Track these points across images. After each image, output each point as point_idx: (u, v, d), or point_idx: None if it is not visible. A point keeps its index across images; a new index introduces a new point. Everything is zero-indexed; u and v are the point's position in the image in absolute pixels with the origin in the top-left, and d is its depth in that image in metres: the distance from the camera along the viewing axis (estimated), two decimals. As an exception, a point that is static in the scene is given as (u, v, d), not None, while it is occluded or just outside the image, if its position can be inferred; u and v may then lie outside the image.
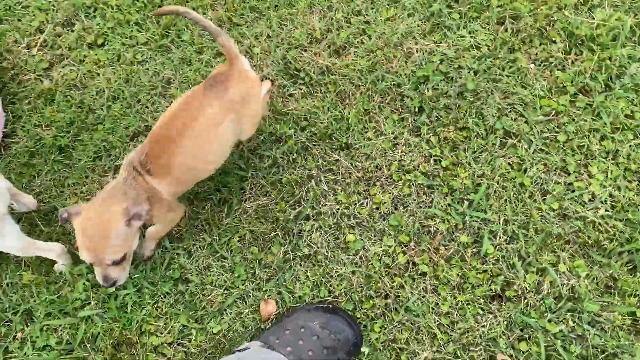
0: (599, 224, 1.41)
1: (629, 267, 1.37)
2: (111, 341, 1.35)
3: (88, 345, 1.35)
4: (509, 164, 1.50)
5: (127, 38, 1.70)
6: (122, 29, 1.70)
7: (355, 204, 1.48)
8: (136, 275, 1.41)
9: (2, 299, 1.40)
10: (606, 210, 1.42)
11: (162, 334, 1.36)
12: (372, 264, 1.41)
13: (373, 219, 1.46)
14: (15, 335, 1.37)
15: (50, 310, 1.39)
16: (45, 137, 1.58)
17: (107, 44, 1.70)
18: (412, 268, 1.41)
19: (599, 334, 1.29)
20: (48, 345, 1.36)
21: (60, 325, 1.37)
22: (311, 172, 1.52)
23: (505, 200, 1.45)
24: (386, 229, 1.45)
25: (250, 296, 1.39)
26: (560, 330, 1.31)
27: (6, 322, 1.39)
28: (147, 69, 1.66)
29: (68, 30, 1.72)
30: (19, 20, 1.73)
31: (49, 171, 1.55)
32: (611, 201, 1.43)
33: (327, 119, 1.58)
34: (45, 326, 1.37)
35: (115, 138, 1.57)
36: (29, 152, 1.57)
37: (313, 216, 1.47)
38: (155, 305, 1.39)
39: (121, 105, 1.61)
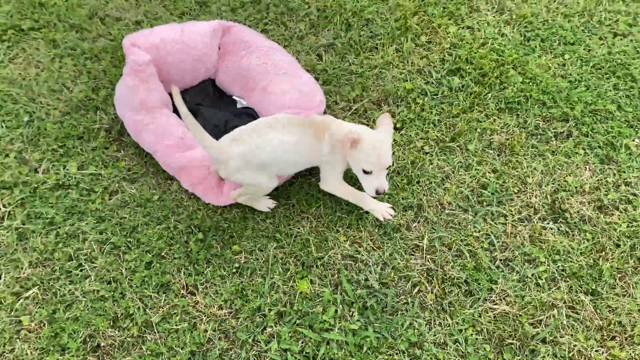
0: None
1: None
2: (343, 371, 1.47)
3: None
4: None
5: (421, 131, 1.97)
6: (419, 122, 1.98)
7: (592, 348, 1.53)
8: (377, 324, 1.55)
9: (266, 294, 1.60)
10: None
11: (386, 385, 1.46)
12: (598, 410, 1.42)
13: None
14: (265, 329, 1.54)
15: (299, 321, 1.56)
16: (336, 181, 1.84)
17: (403, 129, 1.97)
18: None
19: None
20: (290, 350, 1.51)
21: (306, 337, 1.53)
22: (556, 302, 1.61)
23: None
24: None
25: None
26: None
27: (262, 314, 1.57)
28: (432, 160, 1.90)
29: (376, 108, 2.04)
30: (341, 87, 2.09)
31: (329, 207, 1.79)
32: None
33: (579, 261, 1.68)
34: (294, 332, 1.53)
35: (392, 202, 1.79)
36: (317, 187, 1.83)
37: (549, 342, 1.54)
38: (387, 357, 1.50)
39: (402, 180, 1.85)
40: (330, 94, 2.05)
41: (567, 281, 1.65)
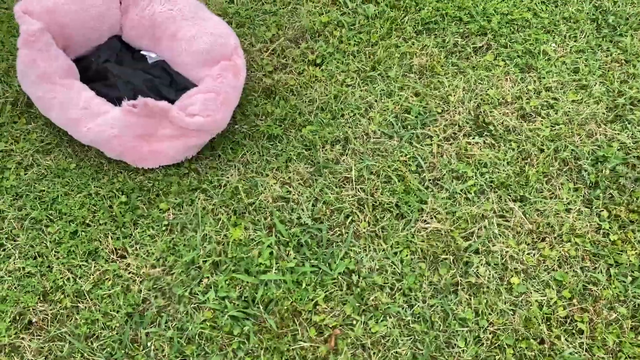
0: None
1: None
2: (283, 308, 1.46)
3: (261, 307, 1.47)
4: (675, 254, 1.53)
5: (341, 64, 1.92)
6: (339, 55, 1.93)
7: (524, 252, 1.56)
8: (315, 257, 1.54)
9: (198, 247, 1.56)
10: None
11: (327, 315, 1.46)
12: (532, 309, 1.46)
13: (539, 270, 1.53)
14: (202, 280, 1.52)
15: (235, 267, 1.53)
16: (260, 125, 1.79)
17: (324, 65, 1.92)
18: (570, 323, 1.45)
19: None
20: (228, 297, 1.49)
21: (243, 282, 1.51)
22: (486, 213, 1.62)
23: (669, 287, 1.48)
24: (550, 282, 1.51)
25: (414, 306, 1.47)
26: None
27: (197, 267, 1.54)
28: (354, 92, 1.86)
29: (294, 46, 1.97)
30: (256, 29, 2.00)
31: (256, 153, 1.74)
32: None
33: (506, 171, 1.69)
34: (231, 279, 1.51)
35: (317, 138, 1.75)
36: (243, 134, 1.78)
37: (482, 252, 1.56)
38: (326, 289, 1.50)
39: (326, 115, 1.81)
40: (245, 37, 1.97)
41: (496, 192, 1.66)
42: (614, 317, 1.44)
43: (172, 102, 1.65)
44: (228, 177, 1.69)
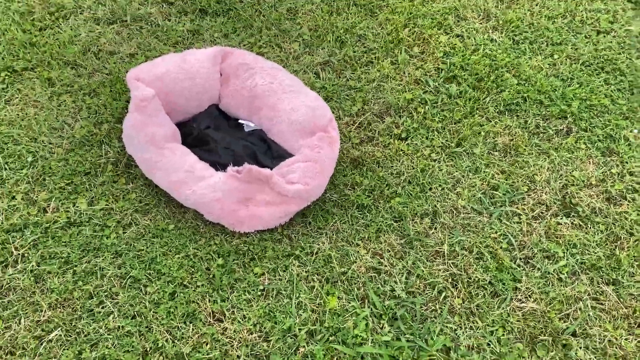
0: None
1: None
2: None
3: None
4: None
5: (426, 139, 1.98)
6: (423, 131, 1.99)
7: (622, 336, 1.53)
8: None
9: (294, 314, 1.56)
10: None
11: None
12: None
13: (638, 356, 1.49)
14: (298, 349, 1.50)
15: (332, 338, 1.52)
16: (349, 194, 1.82)
17: (409, 139, 1.98)
18: None
19: None
20: (325, 368, 1.47)
21: (339, 352, 1.49)
22: (580, 295, 1.61)
23: None
24: None
25: (514, 387, 1.44)
26: None
27: (293, 334, 1.53)
28: (440, 167, 1.90)
29: (380, 120, 2.04)
30: (342, 102, 2.08)
31: (346, 222, 1.77)
32: None
33: (597, 253, 1.69)
34: (327, 349, 1.50)
35: (407, 210, 1.77)
36: (333, 203, 1.81)
37: (579, 334, 1.53)
38: (423, 366, 1.48)
39: (414, 188, 1.84)
40: (333, 110, 2.04)
41: (588, 273, 1.65)
42: None
43: (270, 169, 1.70)
44: (319, 245, 1.71)
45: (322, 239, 1.73)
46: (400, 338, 1.52)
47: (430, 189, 1.84)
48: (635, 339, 1.53)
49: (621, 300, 1.60)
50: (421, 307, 1.58)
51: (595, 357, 1.49)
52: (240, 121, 1.95)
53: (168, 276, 1.63)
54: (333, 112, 2.03)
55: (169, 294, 1.59)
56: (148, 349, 1.49)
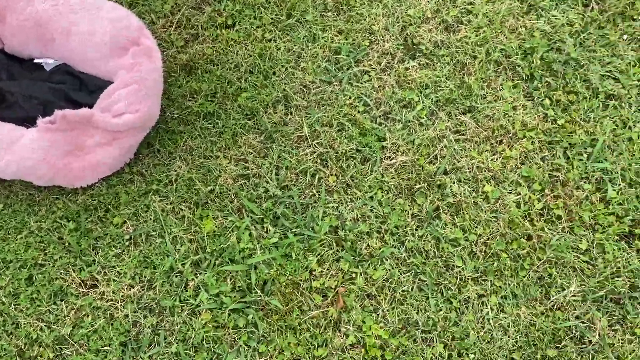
0: None
1: None
2: (281, 285, 1.40)
3: (259, 291, 1.40)
4: (614, 122, 1.62)
5: (254, 19, 1.78)
6: (249, 11, 1.79)
7: (487, 159, 1.58)
8: (295, 225, 1.47)
9: (172, 252, 1.44)
10: None
11: (325, 278, 1.42)
12: (511, 210, 1.50)
13: (505, 172, 1.56)
14: (188, 284, 1.41)
15: (218, 261, 1.43)
16: (191, 106, 1.64)
17: (237, 25, 1.78)
18: (548, 213, 1.51)
19: None
20: (221, 292, 1.40)
21: (232, 272, 1.42)
22: (442, 133, 1.61)
23: (619, 153, 1.57)
24: (519, 180, 1.54)
25: (405, 242, 1.46)
26: (691, 260, 1.42)
27: (177, 272, 1.42)
28: (278, 46, 1.74)
29: (199, 12, 1.80)
30: (151, 4, 1.80)
31: (197, 137, 1.61)
32: None
33: (448, 86, 1.68)
34: (218, 273, 1.42)
35: (257, 104, 1.64)
36: (177, 120, 1.63)
37: (450, 171, 1.56)
38: (316, 253, 1.45)
39: (257, 78, 1.69)
40: (142, 15, 1.77)
41: (444, 109, 1.65)
42: (583, 196, 1.51)
43: (90, 106, 1.46)
44: (176, 170, 1.55)
45: (177, 164, 1.56)
46: (287, 235, 1.47)
47: (274, 73, 1.70)
48: (499, 157, 1.59)
49: (479, 125, 1.63)
50: (299, 197, 1.52)
51: (468, 187, 1.54)
52: (36, 61, 1.62)
53: (17, 261, 1.41)
54: (143, 19, 1.75)
55: (25, 279, 1.39)
56: (23, 346, 1.32)
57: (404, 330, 1.37)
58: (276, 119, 1.62)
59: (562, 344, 1.35)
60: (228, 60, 1.71)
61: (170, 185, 1.53)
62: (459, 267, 1.44)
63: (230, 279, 1.41)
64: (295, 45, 1.74)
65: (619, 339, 1.35)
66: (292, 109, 1.64)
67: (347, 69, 1.70)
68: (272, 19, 1.78)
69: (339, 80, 1.68)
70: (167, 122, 1.61)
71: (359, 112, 1.63)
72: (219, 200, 1.51)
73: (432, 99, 1.66)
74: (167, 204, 1.50)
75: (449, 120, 1.63)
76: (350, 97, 1.65)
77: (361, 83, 1.68)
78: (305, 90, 1.67)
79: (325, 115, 1.62)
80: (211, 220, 1.47)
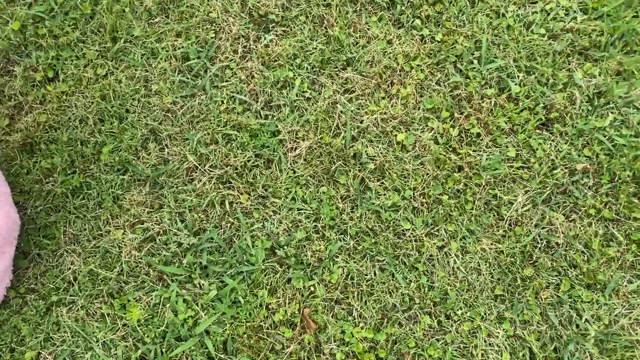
0: (584, 29, 1.51)
1: (627, 50, 1.49)
2: (243, 338, 1.24)
3: (222, 356, 1.23)
4: (487, 15, 1.54)
5: (77, 59, 1.50)
6: (67, 52, 1.49)
7: (387, 107, 1.46)
8: (218, 268, 1.30)
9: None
10: (583, 15, 1.53)
11: (285, 306, 1.28)
12: (432, 149, 1.40)
13: (410, 112, 1.45)
14: (144, 385, 1.21)
15: (166, 344, 1.24)
16: (52, 188, 1.37)
17: (60, 74, 1.48)
18: (467, 136, 1.43)
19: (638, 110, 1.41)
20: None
21: (185, 351, 1.23)
22: (332, 98, 1.47)
23: (504, 45, 1.50)
24: (425, 114, 1.44)
25: (348, 229, 1.34)
26: (609, 122, 1.41)
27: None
28: (117, 78, 1.48)
29: (10, 77, 1.48)
30: (-55, 91, 1.46)
31: (75, 219, 1.35)
32: (581, 7, 1.54)
33: (317, 47, 1.52)
34: (174, 357, 1.23)
35: (125, 152, 1.39)
36: (43, 212, 1.35)
37: (358, 135, 1.43)
38: (263, 285, 1.29)
39: (111, 123, 1.43)
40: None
41: (323, 72, 1.50)
42: (491, 103, 1.44)
43: None
44: (70, 267, 1.30)
45: (67, 260, 1.32)
46: (224, 281, 1.30)
47: (127, 110, 1.44)
48: (397, 100, 1.47)
49: (364, 74, 1.51)
50: (218, 235, 1.33)
51: (381, 144, 1.42)
52: None
53: None
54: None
55: None
56: None
57: (386, 320, 1.27)
58: (153, 160, 1.39)
59: (534, 258, 1.31)
60: (69, 118, 1.43)
61: (71, 287, 1.29)
62: (409, 229, 1.34)
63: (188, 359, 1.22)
64: (136, 70, 1.48)
65: (579, 227, 1.33)
66: (166, 141, 1.42)
67: (205, 72, 1.48)
68: (97, 50, 1.50)
69: (202, 89, 1.47)
70: (33, 220, 1.34)
71: (238, 114, 1.44)
72: (133, 279, 1.29)
73: (306, 68, 1.49)
74: (77, 310, 1.26)
75: (333, 83, 1.48)
76: (222, 102, 1.45)
77: (227, 81, 1.48)
78: (170, 115, 1.44)
79: (205, 133, 1.42)
80: (134, 305, 1.26)
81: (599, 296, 1.27)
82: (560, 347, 1.23)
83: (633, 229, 1.31)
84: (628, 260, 1.29)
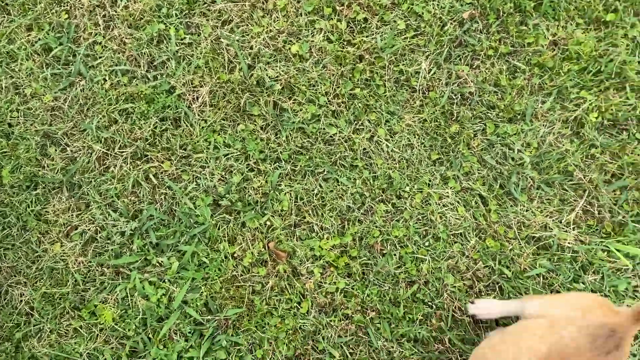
0: None
1: None
2: (222, 292, 1.24)
3: (212, 318, 1.23)
4: None
5: None
6: None
7: (270, 23, 1.42)
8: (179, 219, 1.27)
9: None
10: None
11: (250, 248, 1.27)
12: (328, 48, 1.39)
13: (294, 21, 1.41)
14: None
15: (152, 325, 1.22)
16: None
17: None
18: (355, 23, 1.42)
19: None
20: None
21: (174, 325, 1.22)
22: (213, 35, 1.40)
23: None
24: (309, 18, 1.41)
25: (281, 158, 1.33)
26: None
27: None
28: (-17, 96, 1.34)
29: None
30: None
31: (5, 254, 1.26)
32: None
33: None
34: (163, 338, 1.21)
35: (27, 166, 1.29)
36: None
37: (253, 62, 1.39)
38: (220, 238, 1.28)
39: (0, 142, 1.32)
40: None
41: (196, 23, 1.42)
42: (367, -15, 1.43)
43: None
44: None
45: (14, 294, 1.23)
46: (181, 250, 1.27)
47: (10, 125, 1.33)
48: (279, 14, 1.43)
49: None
50: (157, 211, 1.29)
51: (282, 65, 1.39)
52: None
53: None
54: None
55: None
56: None
57: (346, 222, 1.30)
58: (59, 163, 1.31)
59: (455, 114, 1.36)
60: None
61: (31, 317, 1.23)
62: (335, 133, 1.34)
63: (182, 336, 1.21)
64: (1, 80, 1.35)
65: (484, 71, 1.38)
66: (64, 140, 1.33)
67: (74, 57, 1.37)
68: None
69: (78, 74, 1.36)
70: None
71: (125, 85, 1.36)
72: (91, 285, 1.24)
73: (175, 15, 1.41)
74: (47, 337, 1.21)
75: (208, 20, 1.41)
76: (104, 80, 1.36)
77: (100, 57, 1.38)
78: (57, 112, 1.34)
79: (100, 117, 1.33)
80: (103, 307, 1.22)
81: (522, 125, 1.34)
82: (504, 183, 1.31)
83: (530, 53, 1.37)
84: (535, 83, 1.36)
